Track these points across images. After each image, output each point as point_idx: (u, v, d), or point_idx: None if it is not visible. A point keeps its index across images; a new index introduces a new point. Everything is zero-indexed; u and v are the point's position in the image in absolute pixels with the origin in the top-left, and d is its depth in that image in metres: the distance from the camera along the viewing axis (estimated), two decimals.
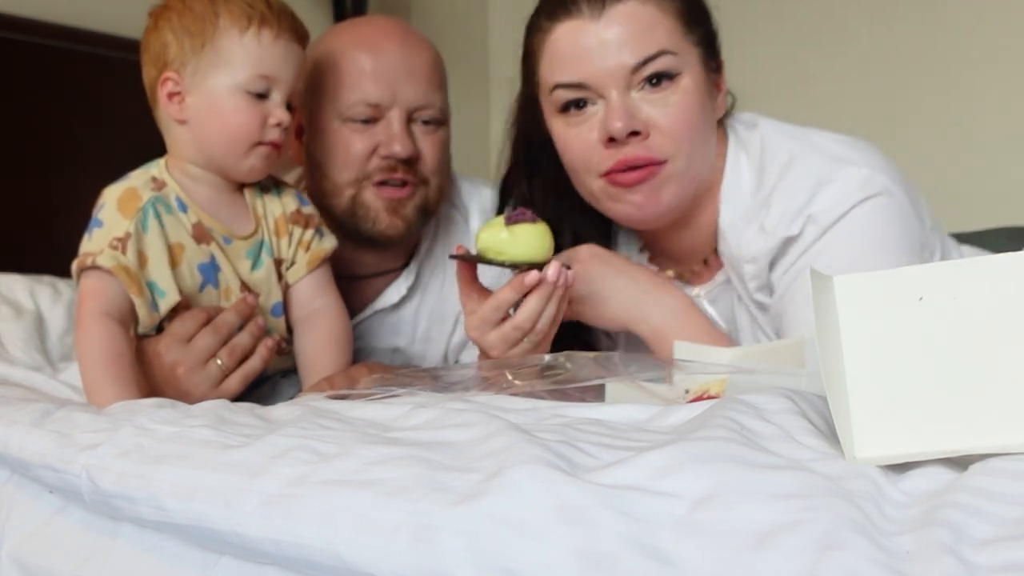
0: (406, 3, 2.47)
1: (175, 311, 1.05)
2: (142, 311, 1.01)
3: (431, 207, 1.23)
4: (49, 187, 1.63)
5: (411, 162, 1.18)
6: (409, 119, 1.18)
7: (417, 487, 0.53)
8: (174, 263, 1.04)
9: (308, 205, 1.15)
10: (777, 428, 0.59)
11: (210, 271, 1.06)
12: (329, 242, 1.15)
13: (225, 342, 1.04)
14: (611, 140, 1.02)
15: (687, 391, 0.89)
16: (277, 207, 1.12)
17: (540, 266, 0.96)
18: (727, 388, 0.85)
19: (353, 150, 1.18)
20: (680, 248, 1.14)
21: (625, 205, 1.05)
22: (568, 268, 0.97)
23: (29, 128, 1.66)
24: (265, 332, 1.08)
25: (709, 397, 0.84)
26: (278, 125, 1.05)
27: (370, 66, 1.17)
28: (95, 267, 1.00)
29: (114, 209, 1.03)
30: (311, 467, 0.60)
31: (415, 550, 0.49)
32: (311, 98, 1.22)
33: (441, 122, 1.22)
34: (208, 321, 1.04)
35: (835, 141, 1.07)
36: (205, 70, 1.03)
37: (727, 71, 1.12)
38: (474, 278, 1.00)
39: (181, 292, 1.04)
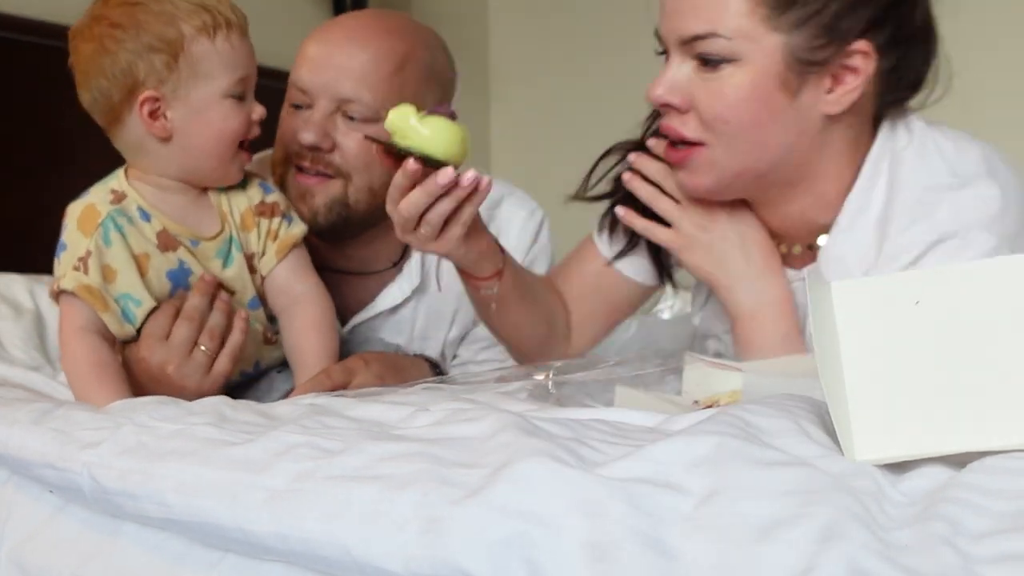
0: (406, 3, 2.47)
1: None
2: (113, 326, 1.02)
3: (352, 204, 1.19)
4: (49, 187, 1.62)
5: (319, 151, 1.17)
6: (338, 111, 1.17)
7: (425, 481, 0.53)
8: (141, 273, 1.04)
9: (272, 192, 1.15)
10: (783, 425, 0.59)
11: (180, 276, 1.06)
12: (298, 227, 1.14)
13: (201, 327, 1.03)
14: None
15: (696, 401, 0.88)
16: (243, 201, 1.12)
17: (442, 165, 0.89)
18: (741, 399, 0.84)
19: (283, 130, 1.20)
20: (774, 226, 1.07)
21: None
22: (485, 176, 0.91)
23: (29, 128, 1.66)
24: (232, 306, 1.07)
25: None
26: (259, 120, 1.07)
27: (311, 54, 1.18)
28: (63, 290, 1.01)
29: (75, 229, 1.03)
30: (317, 463, 0.60)
31: (424, 542, 0.49)
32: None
33: (373, 121, 1.15)
34: (178, 313, 1.03)
35: (983, 169, 0.95)
36: (186, 83, 1.02)
37: None
38: (395, 163, 0.92)
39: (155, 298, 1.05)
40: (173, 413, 0.78)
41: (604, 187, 1.16)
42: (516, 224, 1.32)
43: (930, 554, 0.44)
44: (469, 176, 0.89)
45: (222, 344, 1.05)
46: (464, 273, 1.05)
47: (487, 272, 1.03)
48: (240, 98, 1.05)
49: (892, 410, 0.60)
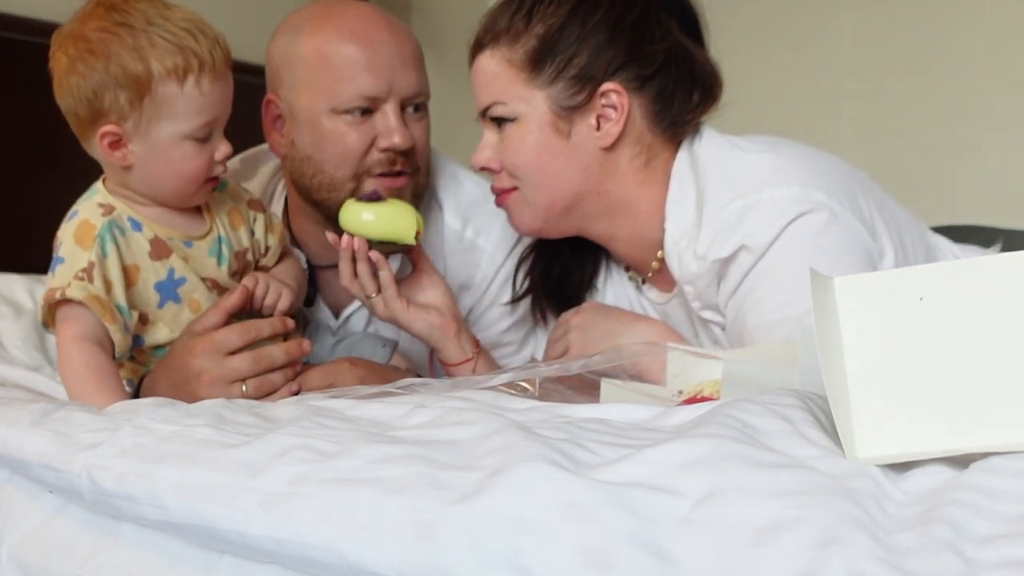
0: (406, 3, 2.47)
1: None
2: (117, 336, 1.01)
3: (421, 194, 1.25)
4: (49, 186, 1.63)
5: (408, 152, 1.19)
6: (401, 108, 1.19)
7: (419, 485, 0.53)
8: (129, 284, 1.04)
9: (249, 192, 1.19)
10: (780, 426, 0.59)
11: (169, 287, 1.06)
12: (277, 219, 1.22)
13: (261, 374, 1.03)
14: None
15: (680, 392, 0.89)
16: (226, 201, 1.13)
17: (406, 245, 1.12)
18: (722, 388, 0.85)
19: (351, 145, 1.18)
20: (624, 254, 1.22)
21: None
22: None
23: (29, 128, 1.66)
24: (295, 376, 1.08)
25: (703, 398, 0.84)
26: (222, 160, 1.06)
27: (365, 59, 1.17)
28: (65, 300, 1.00)
29: (72, 244, 1.03)
30: (312, 466, 0.60)
31: (417, 547, 0.49)
32: (293, 91, 1.20)
33: (426, 107, 1.23)
34: (253, 341, 1.03)
35: (769, 154, 1.08)
36: (147, 122, 1.00)
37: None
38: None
39: (140, 311, 1.05)
40: (171, 415, 0.78)
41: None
42: (499, 224, 1.31)
43: (933, 559, 0.43)
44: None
45: (260, 398, 1.03)
46: (439, 358, 1.17)
47: (456, 359, 1.15)
48: (204, 139, 1.03)
49: (894, 408, 0.60)
